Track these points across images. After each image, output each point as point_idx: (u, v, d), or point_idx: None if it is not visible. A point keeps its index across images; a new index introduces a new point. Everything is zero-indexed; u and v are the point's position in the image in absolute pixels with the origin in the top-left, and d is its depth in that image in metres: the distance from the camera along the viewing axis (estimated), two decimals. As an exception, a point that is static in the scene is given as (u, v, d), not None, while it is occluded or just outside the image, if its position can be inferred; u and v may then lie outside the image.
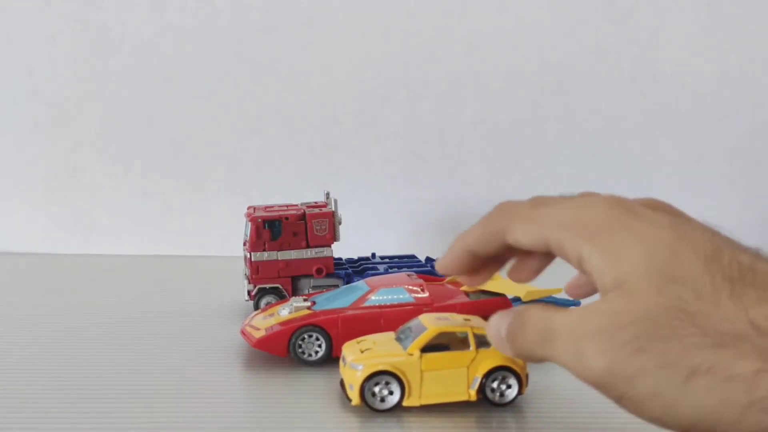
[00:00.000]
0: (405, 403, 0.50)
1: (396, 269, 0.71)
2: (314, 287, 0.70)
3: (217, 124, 0.93)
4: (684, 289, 0.30)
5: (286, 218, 0.69)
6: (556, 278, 0.56)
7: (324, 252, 0.70)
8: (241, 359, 0.60)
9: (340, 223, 0.71)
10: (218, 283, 0.79)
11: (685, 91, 0.92)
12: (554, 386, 0.54)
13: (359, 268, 0.73)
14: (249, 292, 0.69)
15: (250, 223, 0.69)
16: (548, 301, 0.62)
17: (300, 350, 0.58)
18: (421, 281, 0.61)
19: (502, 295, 0.60)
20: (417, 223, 0.91)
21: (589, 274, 0.33)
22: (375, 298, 0.59)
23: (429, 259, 0.75)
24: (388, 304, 0.59)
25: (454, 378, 0.50)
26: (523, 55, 0.91)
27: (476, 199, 0.88)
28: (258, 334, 0.58)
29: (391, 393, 0.50)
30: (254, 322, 0.60)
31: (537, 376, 0.54)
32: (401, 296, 0.59)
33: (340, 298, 0.60)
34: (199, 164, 0.94)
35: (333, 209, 0.70)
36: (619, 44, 0.91)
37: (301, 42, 0.92)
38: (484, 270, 0.40)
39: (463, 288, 0.62)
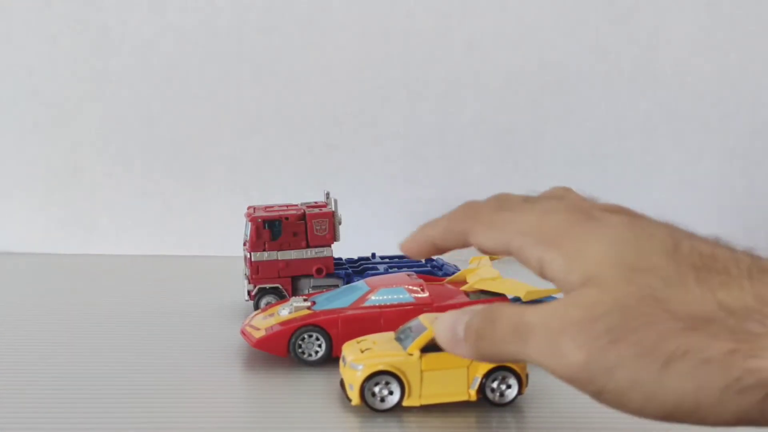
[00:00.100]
0: (405, 403, 0.50)
1: (396, 269, 0.71)
2: (314, 287, 0.69)
3: (217, 124, 0.93)
4: (652, 278, 0.30)
5: (286, 218, 0.69)
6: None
7: (324, 252, 0.70)
8: (241, 359, 0.60)
9: (340, 223, 0.71)
10: (218, 283, 0.79)
11: (685, 91, 0.92)
12: (554, 386, 0.54)
13: (359, 268, 0.73)
14: (249, 292, 0.69)
15: (250, 223, 0.69)
16: (548, 302, 0.62)
17: (300, 350, 0.58)
18: (421, 281, 0.61)
19: (502, 295, 0.60)
20: (417, 223, 0.90)
21: (552, 279, 0.33)
22: (375, 298, 0.59)
23: (429, 259, 0.75)
24: (388, 304, 0.59)
25: (454, 378, 0.50)
26: (523, 55, 0.92)
27: (476, 199, 0.88)
28: (258, 334, 0.58)
29: (391, 393, 0.50)
30: (254, 322, 0.60)
31: (537, 376, 0.54)
32: (401, 296, 0.59)
33: (340, 298, 0.60)
34: (199, 164, 0.94)
35: (333, 209, 0.70)
36: (619, 44, 0.91)
37: (301, 42, 0.92)
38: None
39: (463, 288, 0.62)
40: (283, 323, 0.58)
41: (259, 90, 0.93)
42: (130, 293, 0.78)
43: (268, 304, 0.66)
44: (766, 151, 0.92)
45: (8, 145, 0.94)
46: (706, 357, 0.28)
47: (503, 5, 0.91)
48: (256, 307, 0.68)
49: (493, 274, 0.62)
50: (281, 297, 0.69)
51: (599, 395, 0.31)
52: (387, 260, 0.75)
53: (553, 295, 0.61)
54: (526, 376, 0.51)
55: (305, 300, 0.61)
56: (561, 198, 0.36)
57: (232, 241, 0.78)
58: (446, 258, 0.74)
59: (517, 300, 0.60)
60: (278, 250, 0.69)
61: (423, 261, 0.75)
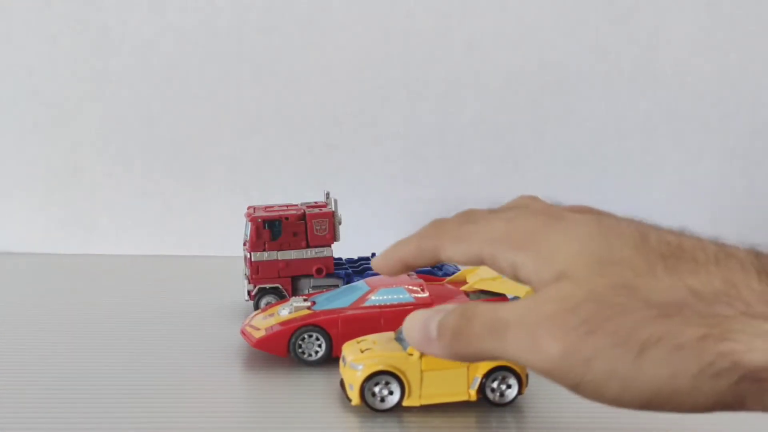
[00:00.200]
0: (405, 403, 0.50)
1: (396, 269, 0.71)
2: (314, 287, 0.70)
3: (217, 124, 0.93)
4: (622, 269, 0.31)
5: (286, 218, 0.69)
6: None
7: (324, 252, 0.70)
8: (241, 359, 0.60)
9: (340, 223, 0.71)
10: (218, 283, 0.79)
11: (685, 91, 0.92)
12: (554, 386, 0.54)
13: (359, 268, 0.73)
14: (249, 292, 0.69)
15: (250, 223, 0.69)
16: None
17: (300, 350, 0.58)
18: (421, 281, 0.61)
19: (502, 295, 0.60)
20: (417, 223, 0.90)
21: (527, 281, 0.34)
22: (375, 298, 0.59)
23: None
24: (388, 304, 0.59)
25: (454, 378, 0.50)
26: (523, 55, 0.91)
27: (476, 199, 0.88)
28: (258, 334, 0.58)
29: (391, 393, 0.50)
30: (254, 322, 0.60)
31: (537, 376, 0.54)
32: (401, 296, 0.59)
33: (340, 298, 0.60)
34: (199, 164, 0.94)
35: (333, 209, 0.70)
36: (619, 44, 0.91)
37: (301, 42, 0.92)
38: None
39: (463, 288, 0.62)
40: (283, 323, 0.58)
41: (259, 90, 0.93)
42: (130, 293, 0.78)
43: (268, 304, 0.66)
44: (766, 151, 0.92)
45: (8, 145, 0.94)
46: (679, 343, 0.28)
47: (503, 5, 0.91)
48: (256, 307, 0.68)
49: (493, 274, 0.62)
50: (281, 297, 0.69)
51: (577, 387, 0.31)
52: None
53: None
54: (526, 376, 0.51)
55: (305, 300, 0.61)
56: (526, 206, 0.37)
57: (232, 241, 0.78)
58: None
59: (516, 300, 0.60)
60: (278, 250, 0.69)
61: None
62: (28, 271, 0.88)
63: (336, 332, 0.58)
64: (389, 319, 0.58)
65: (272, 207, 0.72)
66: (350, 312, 0.58)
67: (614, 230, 0.32)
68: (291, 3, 0.91)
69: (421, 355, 0.50)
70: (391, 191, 0.93)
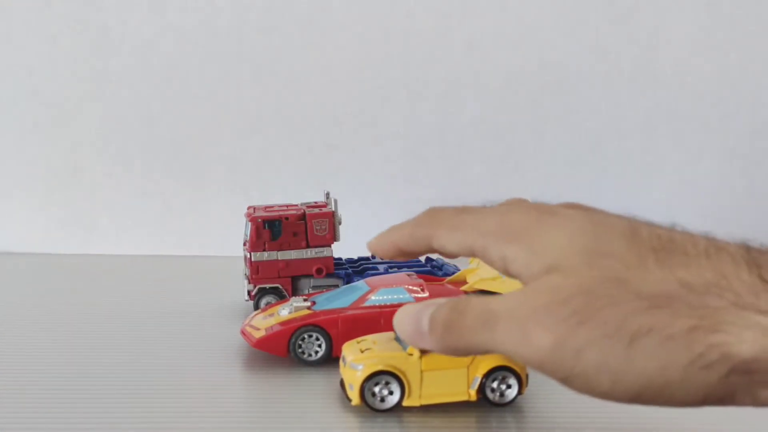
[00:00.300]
0: (405, 403, 0.50)
1: (396, 269, 0.71)
2: (314, 287, 0.70)
3: (217, 124, 0.93)
4: (613, 261, 0.31)
5: (286, 218, 0.69)
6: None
7: (324, 252, 0.70)
8: (241, 359, 0.60)
9: (340, 223, 0.71)
10: (218, 283, 0.79)
11: (685, 91, 0.92)
12: (554, 386, 0.54)
13: (359, 268, 0.73)
14: (249, 292, 0.69)
15: (250, 223, 0.69)
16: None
17: (300, 350, 0.58)
18: (421, 281, 0.61)
19: (502, 295, 0.60)
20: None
21: (517, 275, 0.34)
22: (375, 298, 0.59)
23: (429, 259, 0.75)
24: (388, 304, 0.59)
25: (454, 378, 0.50)
26: (523, 55, 0.92)
27: (476, 199, 0.88)
28: (258, 334, 0.58)
29: (391, 393, 0.50)
30: (254, 322, 0.60)
31: (537, 376, 0.54)
32: (401, 296, 0.59)
33: (340, 298, 0.60)
34: (199, 164, 0.94)
35: (333, 209, 0.70)
36: (619, 44, 0.91)
37: (301, 42, 0.92)
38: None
39: (463, 288, 0.62)
40: (283, 323, 0.58)
41: (259, 90, 0.93)
42: (130, 293, 0.78)
43: (268, 304, 0.66)
44: (766, 151, 0.93)
45: (8, 145, 0.94)
46: (670, 334, 0.28)
47: (503, 5, 0.91)
48: (256, 307, 0.68)
49: (492, 274, 0.62)
50: (281, 297, 0.69)
51: (568, 379, 0.31)
52: (387, 260, 0.75)
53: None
54: (526, 376, 0.51)
55: (305, 300, 0.61)
56: (519, 204, 0.37)
57: (232, 241, 0.78)
58: (446, 258, 0.74)
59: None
60: (278, 250, 0.69)
61: (422, 261, 0.75)
62: (28, 271, 0.88)
63: (336, 332, 0.58)
64: (389, 319, 0.57)
65: (272, 207, 0.72)
66: (350, 312, 0.58)
67: (605, 224, 0.32)
68: (291, 3, 0.91)
69: (421, 355, 0.50)
70: (391, 191, 0.93)
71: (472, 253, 0.36)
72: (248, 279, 0.70)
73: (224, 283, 0.78)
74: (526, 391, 0.51)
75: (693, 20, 0.91)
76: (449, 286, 0.63)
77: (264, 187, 0.93)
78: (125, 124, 0.94)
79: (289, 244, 0.69)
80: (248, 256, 0.70)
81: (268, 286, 0.69)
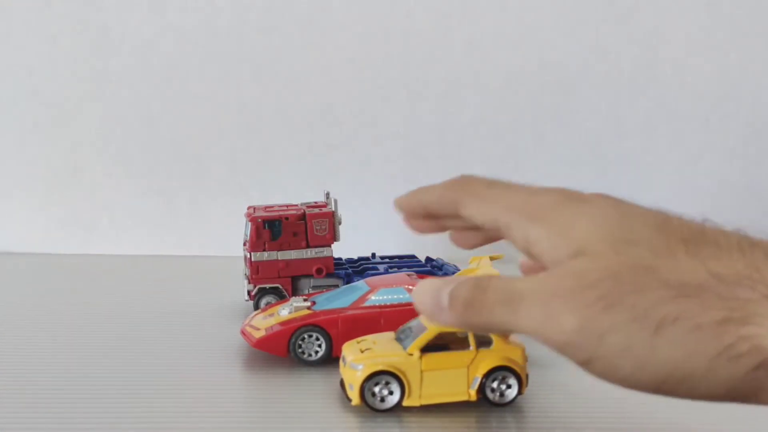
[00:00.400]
0: (405, 403, 0.50)
1: (396, 269, 0.71)
2: (314, 287, 0.70)
3: (217, 124, 0.93)
4: (641, 250, 0.30)
5: (286, 218, 0.69)
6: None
7: (324, 252, 0.70)
8: (241, 359, 0.60)
9: (340, 223, 0.71)
10: (218, 283, 0.79)
11: (685, 91, 0.92)
12: (554, 386, 0.54)
13: (359, 268, 0.73)
14: (249, 292, 0.69)
15: (250, 223, 0.69)
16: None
17: (300, 350, 0.58)
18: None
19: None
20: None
21: (539, 256, 0.33)
22: (375, 298, 0.59)
23: (429, 259, 0.75)
24: (388, 304, 0.59)
25: (454, 378, 0.50)
26: (523, 55, 0.92)
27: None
28: (258, 334, 0.58)
29: (391, 393, 0.50)
30: (254, 322, 0.60)
31: (537, 376, 0.54)
32: (401, 296, 0.59)
33: (340, 298, 0.60)
34: (199, 164, 0.94)
35: (333, 209, 0.70)
36: (619, 44, 0.91)
37: (301, 42, 0.92)
38: (436, 224, 0.40)
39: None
40: (283, 323, 0.58)
41: (259, 90, 0.93)
42: (130, 293, 0.78)
43: (268, 304, 0.66)
44: (766, 151, 0.93)
45: (8, 145, 0.94)
46: (698, 323, 0.28)
47: (503, 5, 0.91)
48: (256, 307, 0.68)
49: (492, 273, 0.62)
50: (281, 297, 0.69)
51: (589, 363, 0.30)
52: (387, 260, 0.75)
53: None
54: (526, 376, 0.51)
55: (305, 300, 0.61)
56: (550, 187, 0.37)
57: (232, 241, 0.78)
58: (446, 258, 0.75)
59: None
60: (278, 250, 0.69)
61: (422, 261, 0.75)
62: (28, 271, 0.88)
63: (336, 332, 0.58)
64: (389, 319, 0.58)
65: (272, 207, 0.72)
66: (350, 312, 0.58)
67: (634, 213, 0.32)
68: (291, 3, 0.91)
69: (421, 354, 0.50)
70: (391, 191, 0.92)
71: (496, 228, 0.35)
72: (248, 279, 0.70)
73: (224, 283, 0.78)
74: (526, 391, 0.51)
75: (693, 20, 0.91)
76: (449, 286, 0.63)
77: (264, 187, 0.93)
78: (125, 124, 0.94)
79: (289, 244, 0.69)
80: (248, 256, 0.70)
81: (268, 286, 0.69)
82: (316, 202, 0.73)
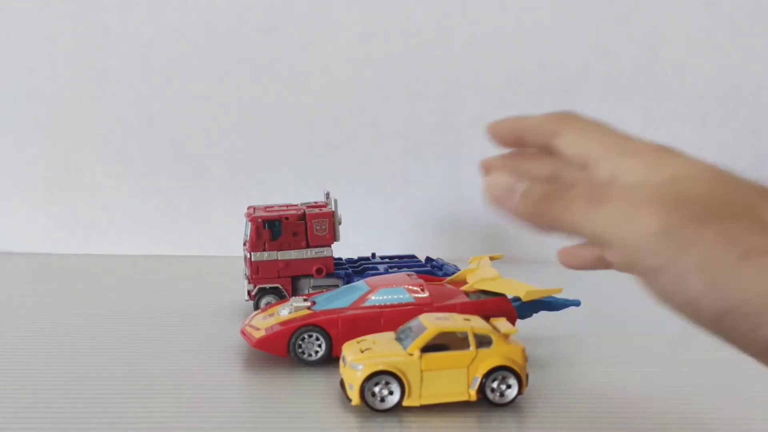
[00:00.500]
0: (405, 403, 0.50)
1: (396, 269, 0.71)
2: (314, 287, 0.69)
3: (217, 124, 0.93)
4: (736, 189, 0.31)
5: (286, 218, 0.69)
6: (556, 278, 0.56)
7: (324, 252, 0.70)
8: (241, 359, 0.60)
9: (340, 223, 0.71)
10: (218, 283, 0.79)
11: (685, 91, 0.92)
12: (554, 386, 0.54)
13: (359, 268, 0.73)
14: (249, 292, 0.69)
15: (250, 223, 0.69)
16: (548, 301, 0.62)
17: (300, 350, 0.58)
18: (421, 281, 0.61)
19: (502, 295, 0.60)
20: (417, 223, 0.91)
21: (625, 186, 0.32)
22: (375, 298, 0.59)
23: (429, 259, 0.75)
24: (388, 304, 0.59)
25: (454, 378, 0.50)
26: (523, 55, 0.92)
27: (476, 199, 0.88)
28: (258, 334, 0.58)
29: (391, 393, 0.50)
30: (254, 322, 0.60)
31: (537, 376, 0.54)
32: (401, 296, 0.59)
33: (340, 298, 0.60)
34: (199, 164, 0.94)
35: (333, 209, 0.70)
36: (619, 44, 0.91)
37: (301, 42, 0.92)
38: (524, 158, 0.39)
39: (463, 288, 0.62)
40: (283, 323, 0.58)
41: (259, 90, 0.93)
42: (130, 293, 0.78)
43: (268, 304, 0.66)
44: (766, 151, 0.92)
45: (8, 145, 0.94)
46: None
47: (503, 5, 0.91)
48: (256, 307, 0.68)
49: (492, 274, 0.62)
50: (281, 297, 0.69)
51: (658, 274, 0.29)
52: (387, 260, 0.75)
53: (554, 296, 0.61)
54: (526, 376, 0.51)
55: (305, 300, 0.61)
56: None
57: (232, 241, 0.78)
58: (446, 258, 0.75)
59: (516, 300, 0.60)
60: (278, 250, 0.69)
61: (422, 261, 0.75)
62: (28, 271, 0.88)
63: (336, 332, 0.58)
64: (389, 319, 0.58)
65: (272, 207, 0.72)
66: (350, 312, 0.58)
67: (728, 170, 0.32)
68: (291, 3, 0.91)
69: (421, 355, 0.50)
70: (391, 191, 0.93)
71: (584, 161, 0.34)
72: (248, 279, 0.70)
73: (224, 283, 0.78)
74: (526, 391, 0.51)
75: (693, 20, 0.91)
76: (449, 286, 0.63)
77: (264, 187, 0.93)
78: (125, 124, 0.94)
79: (289, 244, 0.69)
80: (248, 256, 0.70)
81: (268, 286, 0.69)
82: (316, 202, 0.73)
